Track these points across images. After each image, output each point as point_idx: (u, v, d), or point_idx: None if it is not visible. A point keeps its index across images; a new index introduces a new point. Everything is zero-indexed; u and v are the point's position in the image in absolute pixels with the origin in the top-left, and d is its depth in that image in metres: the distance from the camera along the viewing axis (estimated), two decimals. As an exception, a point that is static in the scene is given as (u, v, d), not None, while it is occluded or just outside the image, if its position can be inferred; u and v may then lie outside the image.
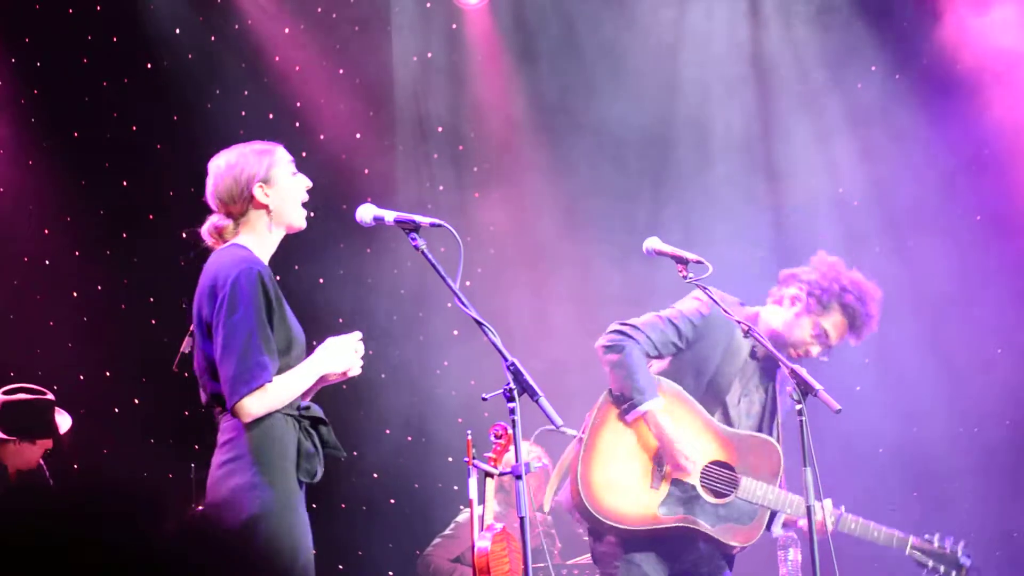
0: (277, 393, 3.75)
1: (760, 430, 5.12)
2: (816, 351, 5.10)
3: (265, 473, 3.74)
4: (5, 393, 6.01)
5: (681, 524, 4.92)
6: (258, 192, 3.94)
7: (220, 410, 3.84)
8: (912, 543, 5.19)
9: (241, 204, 3.95)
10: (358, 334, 4.03)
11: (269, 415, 3.76)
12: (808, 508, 4.28)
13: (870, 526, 5.11)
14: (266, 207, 3.95)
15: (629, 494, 4.93)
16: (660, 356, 5.08)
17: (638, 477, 4.94)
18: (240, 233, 3.97)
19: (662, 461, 4.95)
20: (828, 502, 4.97)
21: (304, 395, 3.97)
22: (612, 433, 4.98)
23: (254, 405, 3.71)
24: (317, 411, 3.95)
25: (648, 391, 4.89)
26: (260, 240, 3.97)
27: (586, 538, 5.34)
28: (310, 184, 4.09)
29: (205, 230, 4.00)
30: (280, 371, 3.79)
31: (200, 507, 6.67)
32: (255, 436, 3.74)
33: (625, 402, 4.94)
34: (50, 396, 6.09)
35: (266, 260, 3.98)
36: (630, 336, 4.98)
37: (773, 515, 5.08)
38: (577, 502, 4.93)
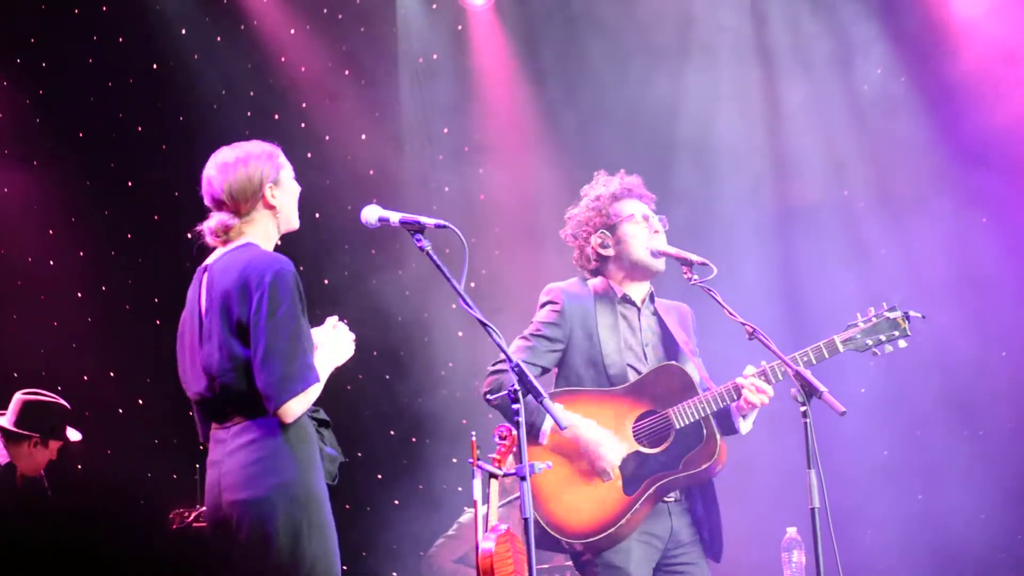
0: (315, 394, 3.77)
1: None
2: None
3: (305, 471, 3.76)
4: (25, 394, 6.05)
5: (652, 489, 4.83)
6: (268, 193, 3.92)
7: (233, 409, 3.81)
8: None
9: (251, 203, 3.92)
10: (332, 319, 4.01)
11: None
12: (812, 511, 4.24)
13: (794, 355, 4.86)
14: (274, 208, 3.95)
15: (593, 502, 4.86)
16: (547, 369, 5.05)
17: (587, 482, 4.89)
18: (246, 233, 3.93)
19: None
20: (749, 368, 4.82)
21: None
22: (540, 461, 4.90)
23: (298, 406, 3.71)
24: (323, 414, 3.96)
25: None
26: (268, 241, 3.95)
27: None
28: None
29: (210, 228, 3.93)
30: None
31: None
32: (292, 436, 3.75)
33: (532, 429, 4.88)
34: (66, 404, 6.14)
35: None
36: (505, 371, 4.94)
37: (722, 421, 4.93)
38: (558, 544, 4.82)
